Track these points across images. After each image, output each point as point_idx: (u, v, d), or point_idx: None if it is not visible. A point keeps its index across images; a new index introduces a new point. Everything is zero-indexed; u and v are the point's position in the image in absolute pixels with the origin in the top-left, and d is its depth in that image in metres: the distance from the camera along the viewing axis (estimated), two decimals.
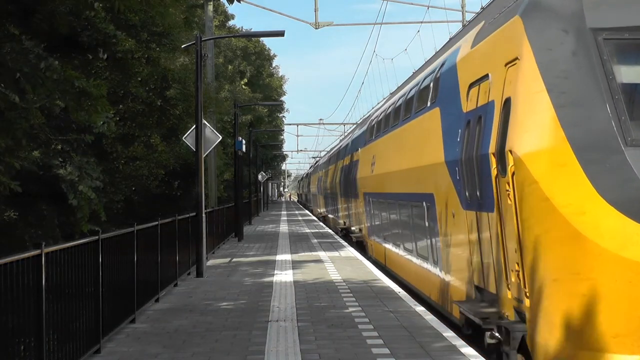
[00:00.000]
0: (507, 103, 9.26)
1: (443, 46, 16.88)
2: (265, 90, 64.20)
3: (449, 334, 10.48)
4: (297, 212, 71.06)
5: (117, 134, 18.66)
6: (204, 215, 18.79)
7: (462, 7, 35.83)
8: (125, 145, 21.45)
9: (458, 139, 11.59)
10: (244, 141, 34.94)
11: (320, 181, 56.43)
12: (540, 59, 8.64)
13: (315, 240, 29.78)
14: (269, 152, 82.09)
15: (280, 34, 20.26)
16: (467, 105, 11.37)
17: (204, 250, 18.63)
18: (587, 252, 7.73)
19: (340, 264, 20.06)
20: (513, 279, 9.09)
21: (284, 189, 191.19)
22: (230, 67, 54.33)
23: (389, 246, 20.17)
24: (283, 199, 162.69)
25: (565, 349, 7.90)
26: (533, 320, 8.44)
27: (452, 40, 15.30)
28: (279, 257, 22.50)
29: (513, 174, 8.74)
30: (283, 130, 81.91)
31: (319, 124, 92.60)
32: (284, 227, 40.71)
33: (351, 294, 14.42)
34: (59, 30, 12.64)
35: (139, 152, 22.48)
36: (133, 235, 12.01)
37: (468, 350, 9.43)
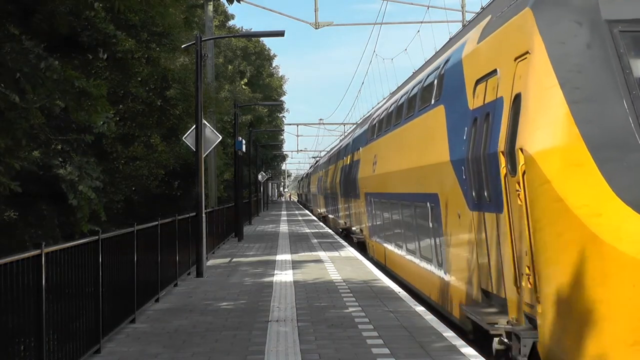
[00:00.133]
0: (517, 99, 8.91)
1: (444, 45, 16.67)
2: (265, 90, 64.21)
3: (449, 334, 10.47)
4: (297, 212, 71.05)
5: (117, 134, 18.67)
6: (204, 215, 18.79)
7: (462, 7, 35.85)
8: (125, 145, 21.45)
9: (464, 137, 11.25)
10: (244, 141, 34.94)
11: (320, 181, 56.38)
12: (553, 52, 8.26)
13: (315, 240, 29.78)
14: (269, 152, 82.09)
15: (280, 34, 20.26)
16: (474, 102, 11.03)
17: (204, 250, 18.63)
18: (603, 256, 7.34)
19: (340, 264, 20.06)
20: (523, 283, 8.70)
21: (284, 189, 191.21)
22: (230, 67, 54.33)
23: (390, 247, 19.87)
24: (283, 199, 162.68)
25: (580, 358, 7.51)
26: (545, 327, 8.06)
27: (453, 40, 15.09)
28: (279, 257, 22.50)
29: (524, 173, 8.39)
30: (283, 130, 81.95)
31: (319, 124, 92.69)
32: (284, 227, 40.71)
33: (351, 294, 14.42)
34: (59, 30, 12.64)
35: (139, 152, 22.49)
36: (133, 235, 12.01)
37: (468, 350, 9.42)
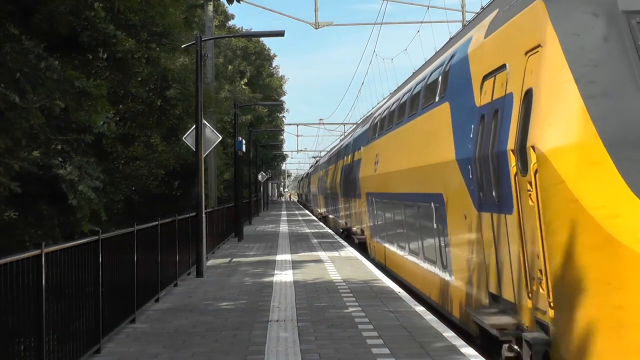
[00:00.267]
0: (528, 95, 8.52)
1: (445, 44, 16.39)
2: (265, 90, 64.23)
3: (449, 334, 10.46)
4: (297, 212, 71.05)
5: (117, 134, 18.67)
6: (204, 215, 18.79)
7: (462, 7, 35.86)
8: (125, 145, 21.46)
9: (471, 135, 10.86)
10: (244, 141, 34.94)
11: (320, 181, 56.32)
12: (567, 45, 7.85)
13: (315, 240, 29.78)
14: (269, 152, 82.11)
15: (280, 34, 20.26)
16: (481, 98, 10.66)
17: (204, 250, 18.63)
18: (621, 259, 6.92)
19: (340, 264, 20.05)
20: (535, 288, 8.32)
21: (284, 189, 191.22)
22: (230, 67, 54.35)
23: (392, 248, 19.56)
24: (283, 199, 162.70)
25: None
26: (559, 334, 7.68)
27: (455, 38, 14.87)
28: (279, 257, 22.50)
29: (536, 172, 7.99)
30: (283, 130, 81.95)
31: (319, 124, 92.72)
32: (284, 227, 40.71)
33: (351, 294, 14.41)
34: (59, 30, 12.64)
35: (139, 152, 22.49)
36: (133, 235, 12.01)
37: (468, 350, 9.41)
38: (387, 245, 20.72)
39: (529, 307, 8.59)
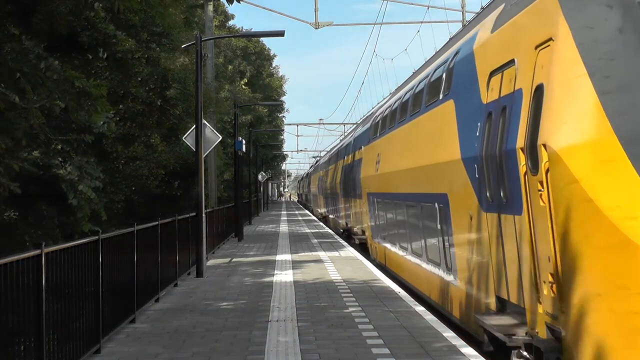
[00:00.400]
0: (538, 91, 8.18)
1: (446, 43, 16.20)
2: (265, 90, 64.26)
3: (449, 334, 10.46)
4: (297, 212, 71.06)
5: (117, 134, 18.68)
6: (204, 215, 18.79)
7: (462, 7, 35.87)
8: (125, 145, 21.47)
9: (477, 134, 10.53)
10: (244, 141, 34.94)
11: (320, 181, 56.25)
12: (580, 38, 7.50)
13: (315, 240, 29.78)
14: (269, 152, 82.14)
15: (280, 34, 20.26)
16: (488, 95, 10.32)
17: (204, 250, 18.63)
18: (638, 263, 6.55)
19: (340, 264, 20.05)
20: (545, 292, 7.96)
21: (284, 189, 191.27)
22: (230, 67, 54.36)
23: (394, 249, 19.31)
24: (283, 199, 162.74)
25: None
26: (571, 341, 7.33)
27: (455, 38, 14.76)
28: (279, 257, 22.50)
29: (547, 171, 7.65)
30: (283, 130, 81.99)
31: (319, 124, 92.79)
32: (284, 227, 40.71)
33: (351, 294, 14.41)
34: (59, 30, 12.64)
35: (139, 152, 22.51)
36: (133, 235, 12.01)
37: (468, 350, 9.41)
38: (388, 245, 20.53)
39: (539, 312, 8.27)
